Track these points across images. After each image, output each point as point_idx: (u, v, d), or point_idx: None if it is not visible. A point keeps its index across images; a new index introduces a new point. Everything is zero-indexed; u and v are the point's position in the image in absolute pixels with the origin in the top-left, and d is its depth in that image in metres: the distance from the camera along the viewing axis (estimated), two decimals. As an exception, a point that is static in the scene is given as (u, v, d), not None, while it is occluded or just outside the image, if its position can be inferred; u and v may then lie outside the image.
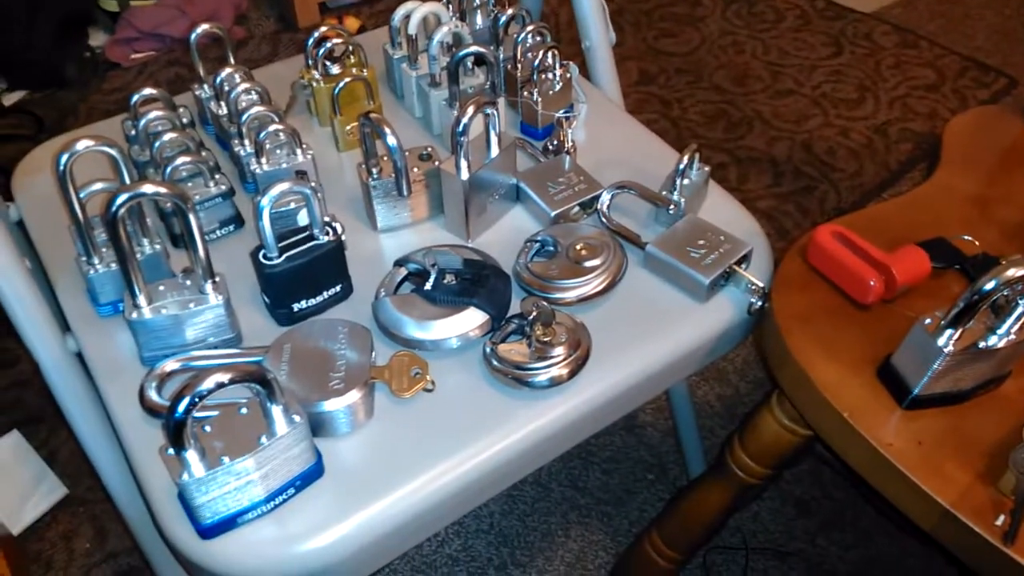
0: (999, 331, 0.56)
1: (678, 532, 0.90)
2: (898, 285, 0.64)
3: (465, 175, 0.67)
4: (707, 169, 0.73)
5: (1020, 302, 0.55)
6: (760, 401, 0.75)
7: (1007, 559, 0.51)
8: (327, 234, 0.63)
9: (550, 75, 0.81)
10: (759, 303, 0.67)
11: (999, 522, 0.52)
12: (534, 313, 0.60)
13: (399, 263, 0.67)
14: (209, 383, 0.46)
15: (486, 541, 1.13)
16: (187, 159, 0.68)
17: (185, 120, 0.76)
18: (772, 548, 1.14)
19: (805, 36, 1.98)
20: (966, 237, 0.70)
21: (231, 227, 0.73)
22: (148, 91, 0.74)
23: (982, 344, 0.55)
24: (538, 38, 0.83)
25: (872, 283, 0.63)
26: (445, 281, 0.64)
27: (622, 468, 1.20)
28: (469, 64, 0.81)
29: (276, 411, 0.50)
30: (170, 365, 0.59)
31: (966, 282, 0.68)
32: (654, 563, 0.93)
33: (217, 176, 0.71)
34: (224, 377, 0.47)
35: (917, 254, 0.65)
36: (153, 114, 0.72)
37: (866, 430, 0.58)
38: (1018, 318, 0.55)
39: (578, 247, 0.67)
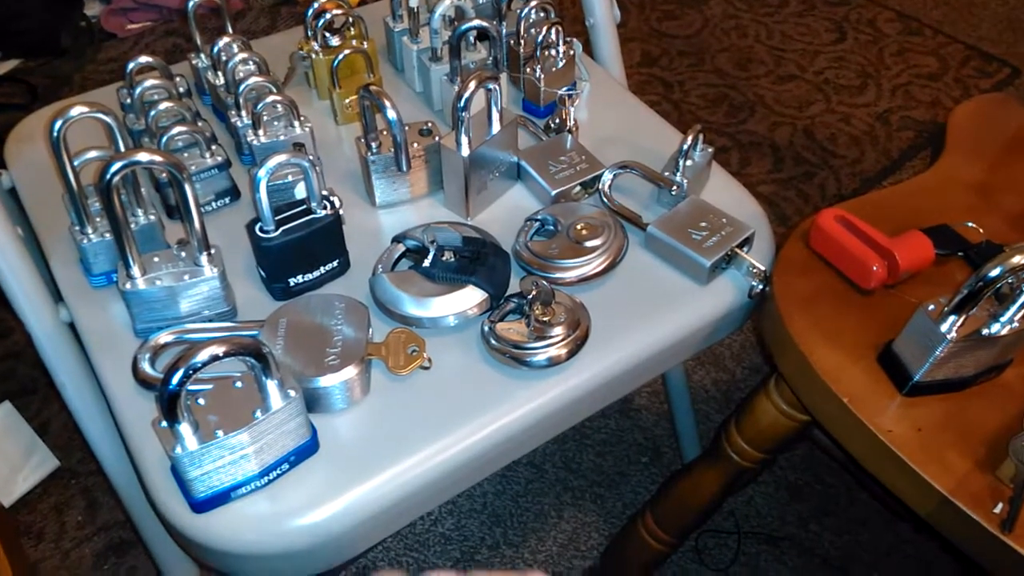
0: (1002, 318, 0.55)
1: (671, 515, 0.89)
2: (901, 271, 0.63)
3: (466, 151, 0.66)
4: (710, 150, 0.72)
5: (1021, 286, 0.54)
6: (757, 385, 0.75)
7: (1005, 547, 0.51)
8: (325, 208, 0.62)
9: (553, 52, 0.80)
10: (760, 287, 0.66)
11: (997, 510, 0.52)
12: (533, 292, 0.60)
13: (397, 239, 0.66)
14: (204, 356, 0.45)
15: (479, 521, 1.12)
16: (183, 129, 0.67)
17: (182, 90, 0.75)
18: (764, 532, 1.14)
19: (809, 21, 1.96)
20: (970, 224, 0.69)
21: (227, 199, 0.72)
22: (144, 59, 0.72)
23: (985, 331, 0.55)
24: (542, 14, 0.82)
25: (875, 268, 0.63)
26: (444, 258, 0.63)
27: (616, 451, 1.20)
28: (471, 39, 0.80)
29: (271, 385, 0.50)
30: (164, 337, 0.59)
31: (969, 269, 0.67)
32: (647, 545, 0.93)
33: (213, 147, 0.69)
34: (219, 350, 0.46)
35: (921, 240, 0.65)
36: (149, 83, 0.71)
37: (866, 416, 0.57)
38: (1022, 305, 0.55)
39: (579, 227, 0.67)
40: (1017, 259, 0.52)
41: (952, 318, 0.54)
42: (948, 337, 0.54)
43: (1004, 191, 0.74)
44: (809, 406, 0.64)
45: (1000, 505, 0.52)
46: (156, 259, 0.59)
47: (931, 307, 0.55)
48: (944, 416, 0.57)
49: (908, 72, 1.82)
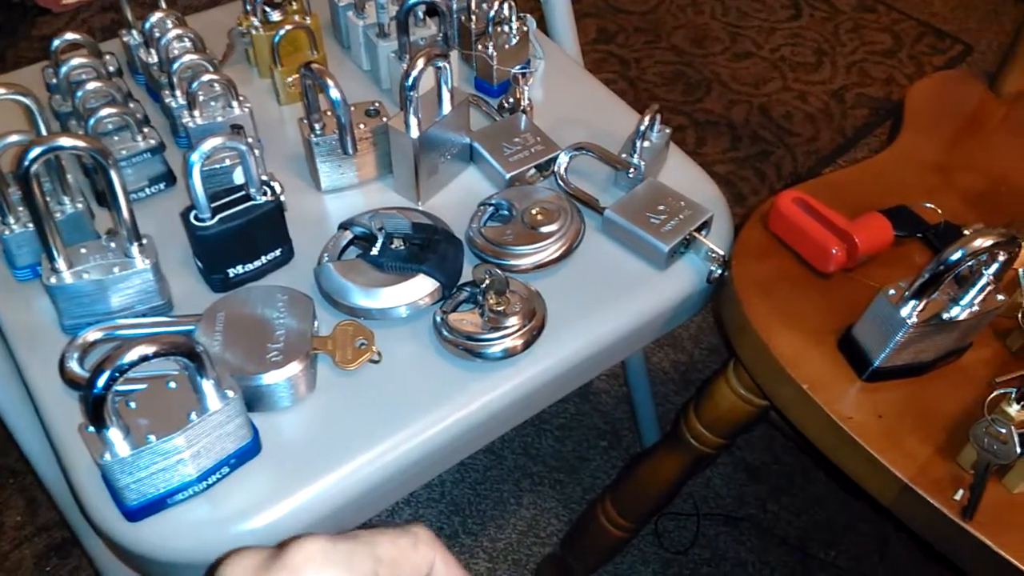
0: (962, 302, 0.54)
1: (631, 501, 0.88)
2: (860, 254, 0.62)
3: (415, 133, 0.63)
4: (668, 131, 0.70)
5: (984, 273, 0.54)
6: (716, 370, 0.74)
7: (965, 534, 0.50)
8: (265, 194, 0.59)
9: (506, 28, 0.77)
10: (719, 271, 0.65)
11: (958, 497, 0.51)
12: (487, 281, 0.57)
13: (344, 226, 0.63)
14: (132, 356, 0.42)
15: (437, 510, 1.11)
16: (112, 111, 0.63)
17: (112, 68, 0.71)
18: (723, 514, 1.14)
19: (765, -2, 1.96)
20: (928, 205, 0.68)
21: (161, 185, 0.68)
22: (71, 36, 0.68)
23: (945, 316, 0.54)
24: (494, -11, 0.78)
25: (834, 251, 0.62)
26: (393, 246, 0.60)
27: (575, 435, 1.19)
28: (420, 14, 0.76)
29: (207, 386, 0.47)
30: (93, 334, 0.55)
31: (928, 251, 0.67)
32: (607, 531, 0.92)
33: (146, 129, 0.65)
34: (148, 349, 0.43)
35: (880, 222, 0.64)
36: (76, 61, 0.66)
37: (825, 403, 0.56)
38: (981, 289, 0.54)
39: (534, 211, 0.64)
40: (978, 242, 0.51)
41: (912, 303, 0.53)
42: (909, 322, 0.53)
43: (961, 170, 0.74)
44: (768, 392, 0.62)
45: (960, 492, 0.52)
46: (83, 251, 0.56)
47: (891, 292, 0.54)
48: (904, 402, 0.57)
49: (863, 49, 1.82)
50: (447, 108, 0.66)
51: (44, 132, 0.59)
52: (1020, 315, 0.60)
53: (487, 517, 1.10)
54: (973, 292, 0.54)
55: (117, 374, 0.42)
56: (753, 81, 1.72)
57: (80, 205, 0.60)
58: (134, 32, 0.74)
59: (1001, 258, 0.53)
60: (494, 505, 1.11)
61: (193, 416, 0.47)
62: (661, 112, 0.68)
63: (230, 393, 0.48)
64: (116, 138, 0.64)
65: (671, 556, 1.10)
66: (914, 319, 0.53)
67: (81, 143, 0.50)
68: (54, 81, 0.68)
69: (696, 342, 1.31)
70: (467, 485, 1.13)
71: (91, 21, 1.72)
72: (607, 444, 1.18)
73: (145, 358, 0.43)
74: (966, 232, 0.66)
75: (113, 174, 0.52)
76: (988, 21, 1.91)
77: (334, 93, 0.61)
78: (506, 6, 0.76)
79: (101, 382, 0.42)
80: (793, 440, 1.12)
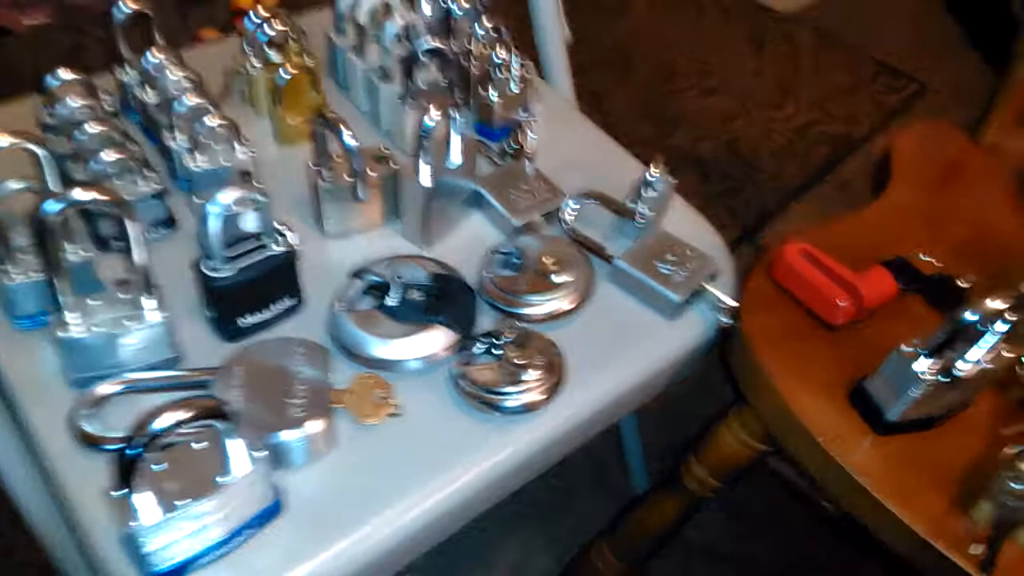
0: (972, 359, 0.56)
1: (627, 544, 0.88)
2: (866, 307, 0.63)
3: (428, 182, 0.63)
4: (673, 181, 0.71)
5: (992, 330, 0.55)
6: (717, 415, 0.74)
7: (984, 588, 0.52)
8: (276, 243, 0.58)
9: (507, 73, 0.77)
10: (729, 322, 0.65)
11: (977, 551, 0.53)
12: (507, 334, 0.57)
13: (357, 275, 0.62)
14: (166, 422, 0.41)
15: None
16: (116, 156, 0.61)
17: (109, 108, 0.68)
18: (707, 549, 1.14)
19: (728, 33, 2.00)
20: (923, 257, 0.70)
21: (162, 229, 0.66)
22: (68, 75, 0.66)
23: (956, 372, 0.55)
24: (494, 34, 0.79)
25: (842, 304, 0.63)
26: (409, 296, 0.59)
27: (562, 475, 1.18)
28: (419, 55, 0.76)
29: (236, 446, 0.45)
30: (104, 388, 0.53)
31: (924, 302, 0.68)
32: (600, 573, 0.92)
33: (148, 172, 0.64)
34: (183, 415, 0.41)
35: (883, 275, 0.65)
36: (76, 103, 0.64)
37: (841, 456, 0.57)
38: (991, 347, 0.56)
39: (545, 260, 0.64)
40: (993, 304, 0.52)
41: (926, 360, 0.55)
42: (923, 379, 0.55)
43: (950, 221, 0.76)
44: (782, 443, 0.63)
45: (977, 546, 0.53)
46: (93, 302, 0.54)
47: (906, 349, 0.56)
48: (916, 454, 0.58)
49: (823, 87, 1.87)
50: (458, 157, 0.66)
51: (52, 183, 0.56)
52: (1019, 368, 0.62)
53: (474, 557, 1.09)
54: (984, 350, 0.55)
55: (151, 438, 0.41)
56: (720, 117, 1.76)
57: (87, 253, 0.57)
58: (129, 69, 0.72)
59: (1010, 317, 0.54)
60: (481, 545, 1.10)
61: (223, 478, 0.45)
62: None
63: (259, 453, 0.46)
64: (118, 182, 0.63)
65: (654, 593, 1.10)
66: (928, 376, 0.55)
67: (100, 196, 0.49)
68: (49, 121, 0.66)
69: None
70: (450, 524, 1.12)
71: (55, 44, 1.67)
72: (593, 482, 1.18)
73: (179, 423, 0.41)
74: (959, 282, 0.69)
75: (130, 226, 0.50)
76: (940, 59, 1.98)
77: (350, 141, 0.61)
78: (507, 52, 0.76)
79: (133, 450, 0.41)
80: (775, 476, 1.13)
